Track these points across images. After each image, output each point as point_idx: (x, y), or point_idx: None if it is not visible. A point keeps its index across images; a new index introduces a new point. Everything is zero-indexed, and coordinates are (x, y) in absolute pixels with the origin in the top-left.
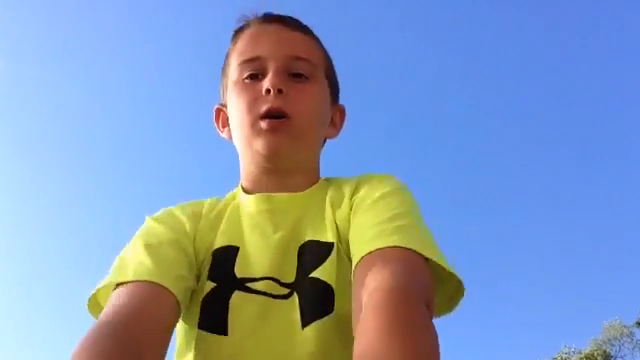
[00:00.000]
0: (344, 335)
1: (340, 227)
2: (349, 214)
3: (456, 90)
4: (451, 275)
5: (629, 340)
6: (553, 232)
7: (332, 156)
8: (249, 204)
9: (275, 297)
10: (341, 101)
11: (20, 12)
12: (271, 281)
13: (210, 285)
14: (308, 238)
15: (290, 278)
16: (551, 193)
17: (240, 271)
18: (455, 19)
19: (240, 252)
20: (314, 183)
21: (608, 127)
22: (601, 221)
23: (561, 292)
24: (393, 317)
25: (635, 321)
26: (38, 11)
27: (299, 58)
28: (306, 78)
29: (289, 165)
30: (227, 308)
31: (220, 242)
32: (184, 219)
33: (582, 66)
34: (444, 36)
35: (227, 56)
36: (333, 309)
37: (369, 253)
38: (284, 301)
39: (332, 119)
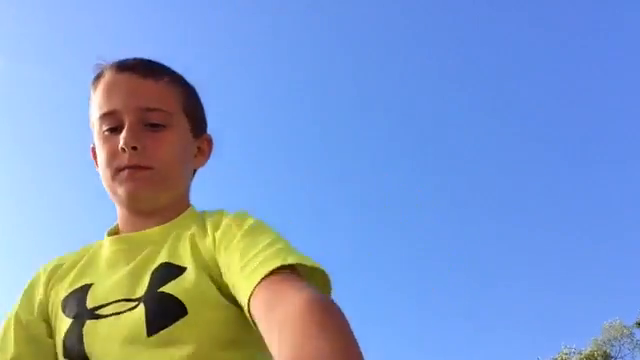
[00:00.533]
0: (196, 346)
1: (203, 258)
2: (213, 251)
3: (456, 90)
4: (323, 277)
5: (629, 340)
6: (553, 232)
7: (331, 156)
8: (107, 245)
9: (122, 313)
10: (342, 99)
11: (20, 12)
12: (121, 302)
13: (68, 321)
14: (162, 261)
15: (140, 294)
16: (551, 193)
17: (91, 302)
18: (455, 18)
19: (93, 287)
20: (181, 214)
21: (609, 127)
22: (601, 221)
23: (561, 292)
24: (321, 324)
25: (635, 321)
26: (38, 11)
27: (151, 109)
28: (163, 126)
29: (154, 207)
30: (82, 337)
31: (72, 286)
32: (42, 281)
33: (582, 66)
34: (442, 35)
35: (89, 101)
36: (179, 320)
37: (264, 278)
38: (130, 313)
39: (200, 148)
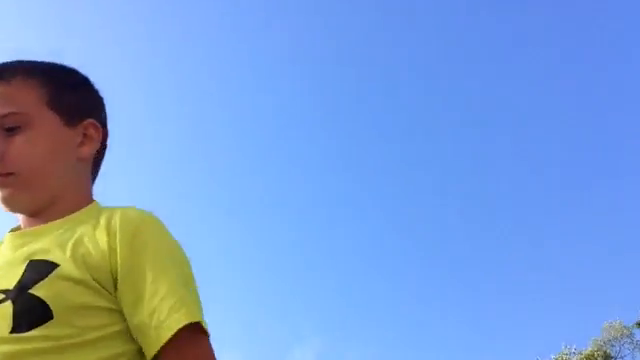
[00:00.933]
0: (57, 351)
1: (92, 257)
2: (107, 254)
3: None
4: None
5: (629, 341)
6: (553, 232)
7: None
8: (5, 242)
9: None
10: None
11: (23, 12)
12: None
13: None
14: (38, 257)
15: (10, 285)
16: (552, 194)
17: None
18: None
19: None
20: (80, 209)
21: (607, 126)
22: (600, 221)
23: (562, 292)
24: None
25: (635, 322)
26: (39, 11)
27: (4, 115)
28: (19, 127)
29: (32, 209)
30: None
31: None
32: None
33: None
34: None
35: None
36: (45, 323)
37: (170, 341)
38: None
39: (87, 135)
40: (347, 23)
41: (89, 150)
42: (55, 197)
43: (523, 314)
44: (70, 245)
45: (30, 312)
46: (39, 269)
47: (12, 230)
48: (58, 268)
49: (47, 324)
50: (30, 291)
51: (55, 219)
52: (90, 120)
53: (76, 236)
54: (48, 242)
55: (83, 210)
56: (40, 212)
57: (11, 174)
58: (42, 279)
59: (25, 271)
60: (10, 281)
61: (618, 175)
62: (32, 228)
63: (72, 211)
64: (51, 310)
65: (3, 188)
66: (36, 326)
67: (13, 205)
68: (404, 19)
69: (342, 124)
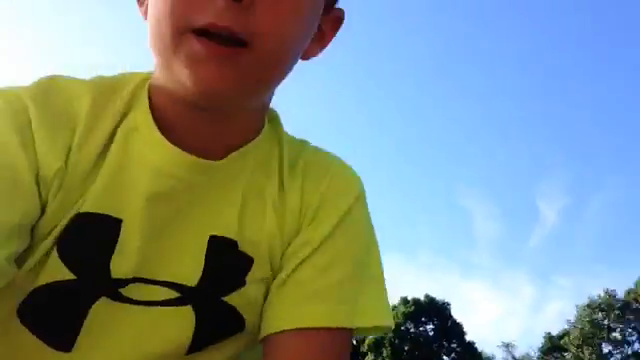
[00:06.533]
0: None
1: (282, 241)
2: (295, 240)
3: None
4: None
5: None
6: None
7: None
8: (162, 158)
9: (157, 306)
10: None
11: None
12: (158, 285)
13: (63, 273)
14: (221, 233)
15: (189, 281)
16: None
17: (118, 268)
18: None
19: (123, 234)
20: (259, 130)
21: None
22: None
23: None
24: None
25: None
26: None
27: None
28: None
29: (231, 109)
30: (84, 318)
31: (93, 202)
32: (44, 141)
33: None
34: None
35: None
36: (232, 336)
37: (309, 329)
38: (168, 311)
39: (321, 29)
40: None
41: (315, 52)
42: (261, 103)
43: None
44: (266, 222)
45: (220, 323)
46: (232, 262)
47: (160, 125)
48: (253, 265)
49: (233, 337)
50: (225, 299)
51: (232, 136)
52: (340, 10)
53: (272, 204)
54: (236, 202)
55: (260, 137)
56: (230, 115)
57: (247, 45)
58: (239, 284)
59: (207, 256)
60: (187, 271)
61: None
62: (219, 163)
63: (250, 132)
64: (244, 320)
65: (224, 68)
66: (220, 340)
67: (221, 98)
68: None
69: None
